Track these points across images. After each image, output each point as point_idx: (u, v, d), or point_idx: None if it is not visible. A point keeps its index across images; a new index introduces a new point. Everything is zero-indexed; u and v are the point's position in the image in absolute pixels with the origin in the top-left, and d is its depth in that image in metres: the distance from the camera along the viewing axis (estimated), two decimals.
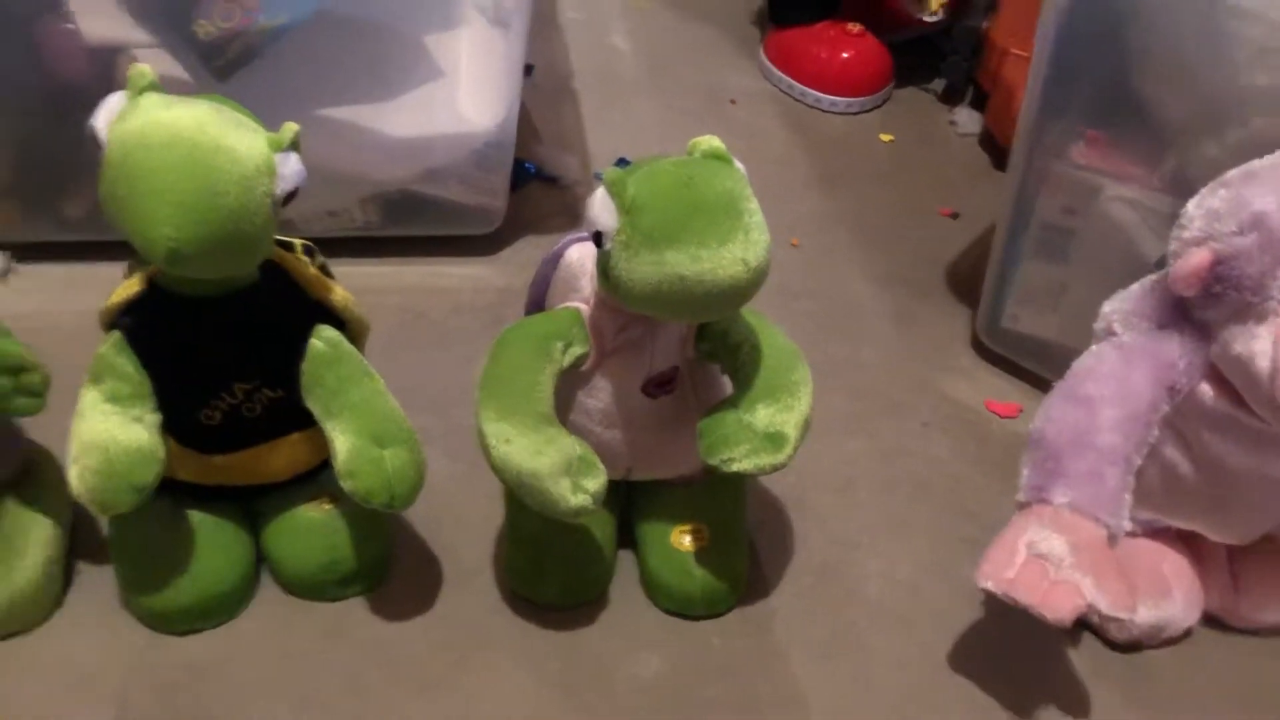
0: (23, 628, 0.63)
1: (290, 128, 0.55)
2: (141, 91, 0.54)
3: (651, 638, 0.67)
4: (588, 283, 0.62)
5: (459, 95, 0.87)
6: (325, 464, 0.66)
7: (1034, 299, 0.84)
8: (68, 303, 0.83)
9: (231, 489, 0.64)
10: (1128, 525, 0.63)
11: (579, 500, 0.58)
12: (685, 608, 0.68)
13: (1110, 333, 0.66)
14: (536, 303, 0.66)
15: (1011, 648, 0.69)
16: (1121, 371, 0.62)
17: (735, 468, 0.59)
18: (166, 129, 0.52)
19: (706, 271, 0.53)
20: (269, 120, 0.56)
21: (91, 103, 0.80)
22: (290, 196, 0.54)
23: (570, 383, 0.62)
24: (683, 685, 0.65)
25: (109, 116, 0.53)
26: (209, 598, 0.63)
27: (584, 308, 0.61)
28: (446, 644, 0.65)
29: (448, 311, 0.88)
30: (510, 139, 0.88)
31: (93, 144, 0.53)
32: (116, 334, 0.59)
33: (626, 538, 0.71)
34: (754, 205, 0.55)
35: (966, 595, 0.71)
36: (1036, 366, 0.85)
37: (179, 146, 0.51)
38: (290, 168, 0.54)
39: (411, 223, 0.91)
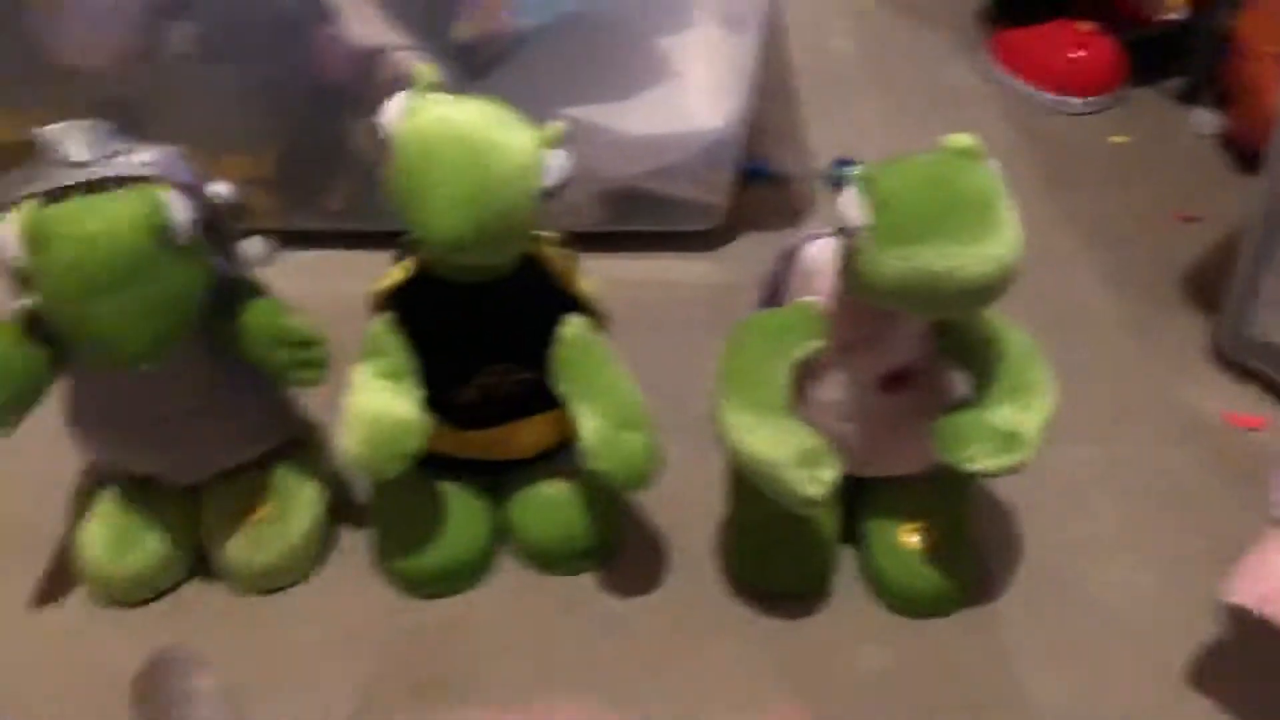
0: (291, 582, 0.68)
1: (556, 126, 0.58)
2: (425, 91, 0.57)
3: (876, 633, 0.67)
4: (825, 278, 0.62)
5: (689, 95, 0.89)
6: (566, 444, 0.69)
7: None
8: (327, 286, 0.89)
9: (481, 463, 0.68)
10: None
11: (814, 490, 0.59)
12: (911, 606, 0.68)
13: None
14: (770, 297, 0.67)
15: (1258, 669, 0.66)
16: None
17: (974, 466, 0.59)
18: (448, 126, 0.56)
19: (958, 268, 0.53)
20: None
21: (353, 102, 0.87)
22: (556, 190, 0.57)
23: (805, 376, 0.63)
24: (907, 682, 0.65)
25: (397, 112, 0.57)
26: (455, 564, 0.67)
27: (821, 302, 0.62)
28: (675, 626, 0.67)
29: (669, 304, 0.90)
30: (737, 137, 0.90)
31: (380, 140, 0.57)
32: (386, 315, 0.63)
33: (850, 533, 0.71)
34: (1007, 203, 0.55)
35: (1204, 610, 0.68)
36: None
37: (459, 143, 0.55)
38: (556, 163, 0.57)
39: (636, 218, 0.94)
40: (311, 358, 0.61)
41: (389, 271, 0.65)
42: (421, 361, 0.63)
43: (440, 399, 0.64)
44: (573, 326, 0.64)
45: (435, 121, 0.56)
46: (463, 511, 0.68)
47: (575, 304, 0.65)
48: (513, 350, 0.64)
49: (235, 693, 0.62)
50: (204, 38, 0.83)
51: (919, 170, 0.55)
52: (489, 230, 0.56)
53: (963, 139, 0.56)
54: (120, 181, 0.52)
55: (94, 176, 0.52)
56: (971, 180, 0.54)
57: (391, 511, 0.68)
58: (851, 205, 0.55)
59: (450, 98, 0.58)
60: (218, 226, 0.58)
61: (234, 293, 0.61)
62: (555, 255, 0.65)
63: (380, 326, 0.63)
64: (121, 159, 0.53)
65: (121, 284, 0.52)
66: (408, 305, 0.63)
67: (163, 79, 0.84)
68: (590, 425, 0.62)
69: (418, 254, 0.63)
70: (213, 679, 0.59)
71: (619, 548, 0.71)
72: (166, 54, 0.83)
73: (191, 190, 0.54)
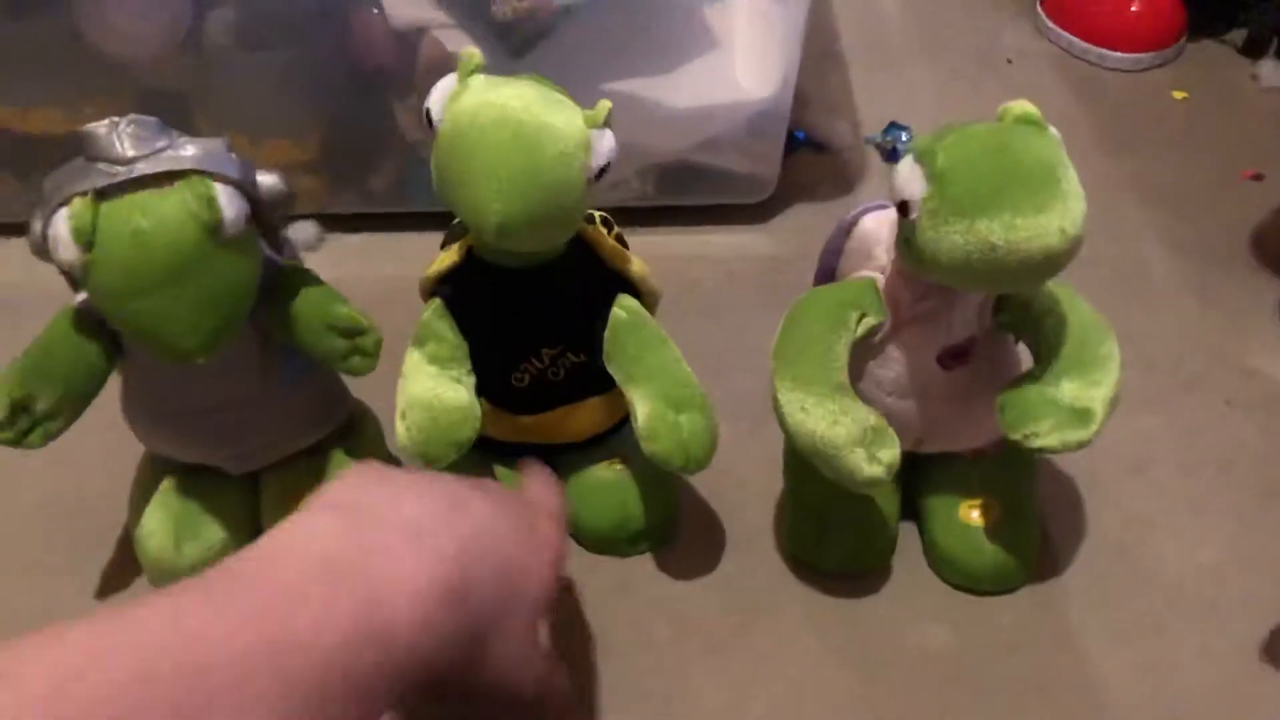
0: None
1: (604, 105, 0.57)
2: (470, 74, 0.56)
3: (938, 610, 0.66)
4: (883, 252, 0.61)
5: (736, 64, 0.88)
6: (618, 427, 0.69)
7: None
8: (373, 270, 0.90)
9: (533, 447, 0.68)
10: None
11: (874, 471, 0.58)
12: (973, 583, 0.67)
13: None
14: (827, 272, 0.66)
15: None
16: None
17: (1039, 443, 0.57)
18: (495, 109, 0.54)
19: (1021, 241, 0.51)
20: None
21: (395, 83, 0.86)
22: (603, 171, 0.56)
23: (863, 352, 0.62)
24: (971, 659, 0.64)
25: (442, 98, 0.56)
26: None
27: (879, 277, 0.61)
28: (731, 606, 0.67)
29: (720, 279, 0.89)
30: (785, 108, 0.88)
31: (426, 124, 0.57)
32: (437, 301, 0.63)
33: (909, 509, 0.70)
34: (1071, 172, 0.53)
35: (1276, 584, 0.66)
36: None
37: (506, 126, 0.54)
38: (604, 144, 0.56)
39: (684, 192, 0.93)
40: (363, 345, 0.61)
41: (438, 257, 0.64)
42: (473, 347, 0.63)
43: (493, 384, 0.64)
44: (624, 308, 0.63)
45: (482, 105, 0.55)
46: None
47: (626, 285, 0.64)
48: (565, 334, 0.63)
49: None
50: (245, 24, 0.83)
51: (978, 140, 0.53)
52: (540, 214, 0.55)
53: (1022, 105, 0.55)
54: (169, 177, 0.52)
55: (143, 173, 0.51)
56: (1032, 149, 0.52)
57: None
58: (908, 177, 0.54)
59: (496, 80, 0.56)
60: (267, 217, 0.57)
61: (285, 282, 0.61)
62: (604, 237, 0.64)
63: (430, 313, 0.63)
64: (169, 153, 0.52)
65: (173, 280, 0.52)
66: (458, 291, 0.63)
67: (206, 68, 0.84)
68: (645, 408, 0.61)
69: (467, 239, 0.63)
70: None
71: (675, 531, 0.70)
72: (209, 43, 0.82)
73: (240, 183, 0.54)
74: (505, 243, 0.57)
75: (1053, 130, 0.55)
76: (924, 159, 0.53)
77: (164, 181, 0.52)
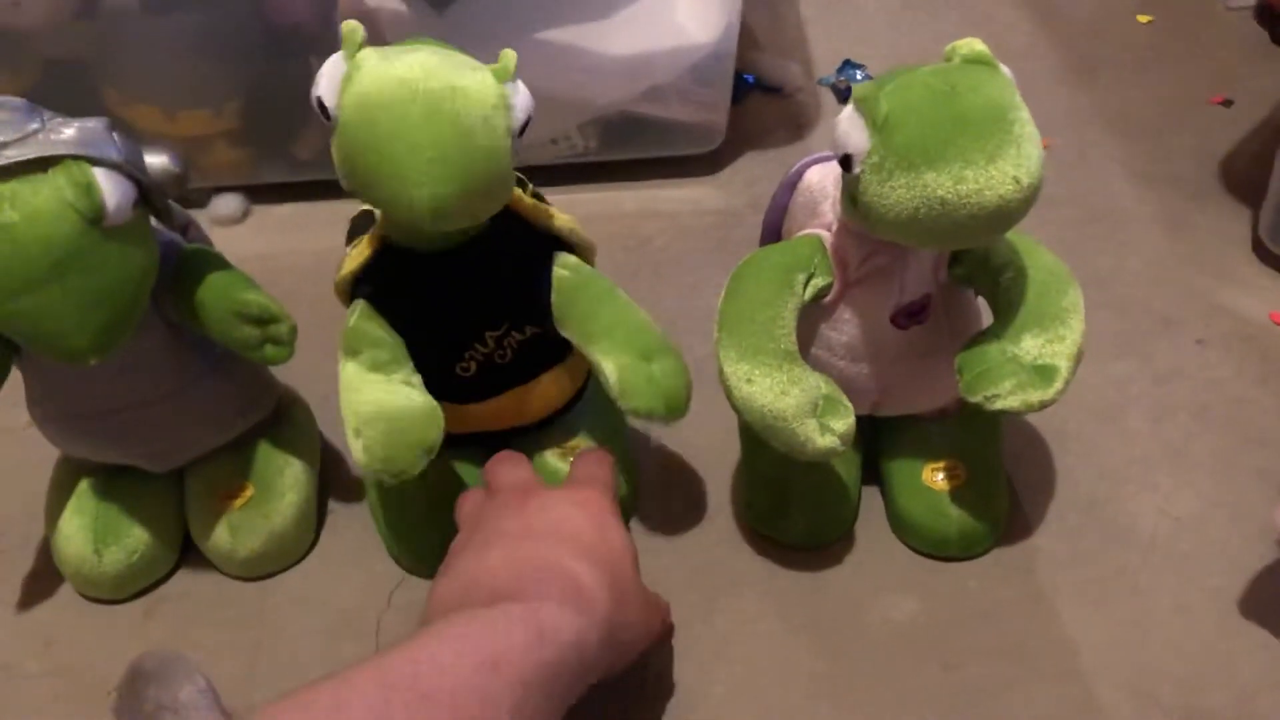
0: (280, 566, 0.65)
1: (509, 55, 0.51)
2: (356, 50, 0.50)
3: (903, 579, 0.63)
4: (829, 207, 0.57)
5: (677, 7, 0.83)
6: (570, 404, 0.65)
7: None
8: (303, 241, 0.85)
9: (484, 436, 0.64)
10: None
11: (827, 441, 0.55)
12: (939, 549, 0.63)
13: None
14: (773, 231, 0.62)
15: None
16: None
17: (1000, 405, 0.54)
18: (401, 84, 0.49)
19: (973, 193, 0.47)
20: (488, 48, 0.53)
21: (315, 42, 0.81)
22: (524, 127, 0.52)
23: (813, 315, 0.58)
24: (940, 629, 0.61)
25: (332, 83, 0.50)
26: None
27: (826, 235, 0.57)
28: (693, 584, 0.64)
29: (671, 237, 0.85)
30: (731, 51, 0.84)
31: (320, 113, 0.51)
32: (361, 303, 0.57)
33: (871, 475, 0.67)
34: (1025, 115, 0.49)
35: (1259, 533, 0.64)
36: None
37: (418, 100, 0.48)
38: (520, 98, 0.51)
39: (630, 145, 0.88)
40: (276, 333, 0.57)
41: (347, 255, 0.59)
42: (410, 343, 0.58)
43: (436, 378, 0.59)
44: (565, 266, 0.59)
45: (385, 82, 0.49)
46: (466, 488, 0.63)
47: (556, 243, 0.60)
48: (506, 311, 0.59)
49: (221, 696, 0.59)
50: None
51: (923, 85, 0.49)
52: (474, 187, 0.50)
53: (970, 44, 0.50)
54: (42, 163, 0.47)
55: (11, 160, 0.47)
56: (982, 92, 0.48)
57: (393, 496, 0.63)
58: (849, 129, 0.50)
59: (388, 52, 0.51)
60: (161, 201, 0.53)
61: (188, 267, 0.56)
62: (521, 197, 0.59)
63: (357, 318, 0.57)
64: (40, 137, 0.48)
65: (52, 277, 0.47)
66: (381, 287, 0.57)
67: (109, 35, 0.78)
68: (613, 365, 0.57)
69: (377, 229, 0.57)
70: (199, 685, 0.56)
71: (634, 509, 0.67)
72: (111, 7, 0.77)
73: (123, 165, 0.49)
74: (440, 224, 0.51)
75: (1005, 69, 0.50)
76: (865, 108, 0.49)
77: (36, 169, 0.47)
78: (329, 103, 0.50)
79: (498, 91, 0.51)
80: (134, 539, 0.62)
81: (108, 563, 0.62)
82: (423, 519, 0.63)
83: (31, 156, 0.47)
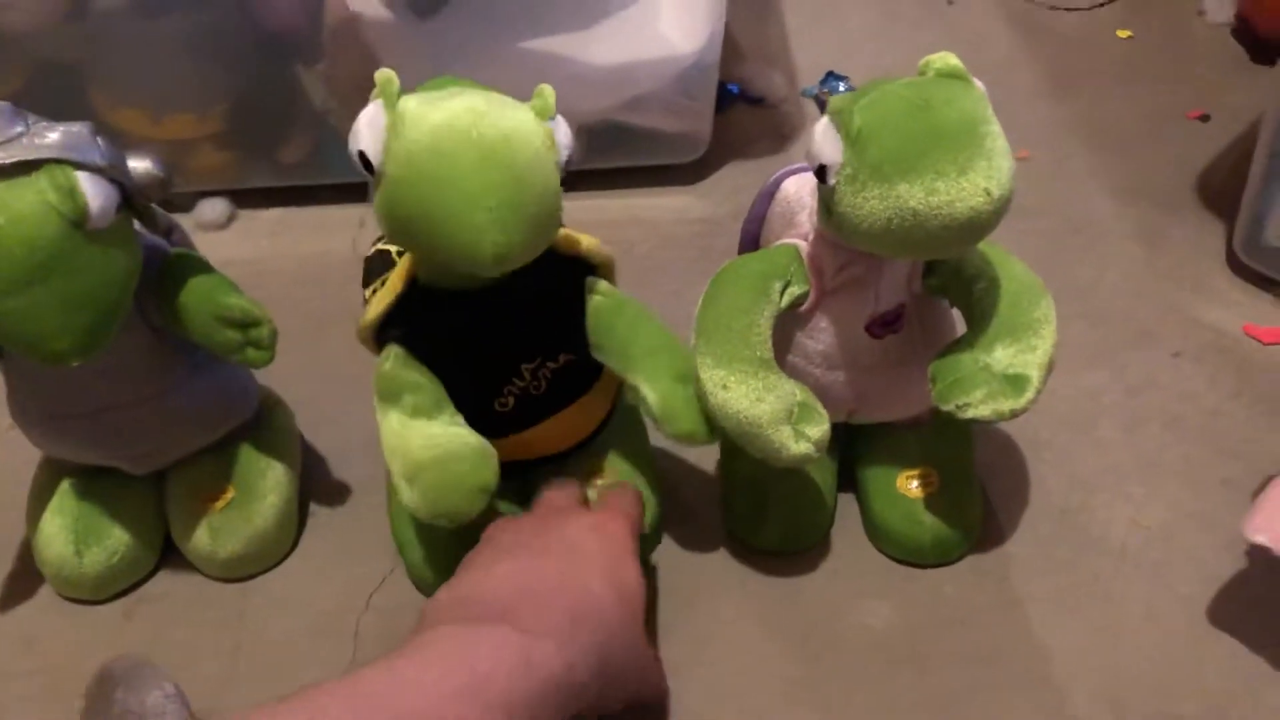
0: (262, 568, 0.65)
1: (547, 92, 0.51)
2: (395, 99, 0.49)
3: (879, 586, 0.64)
4: (806, 217, 0.58)
5: (661, 18, 0.84)
6: (594, 435, 0.65)
7: None
8: (287, 246, 0.86)
9: (510, 465, 0.61)
10: None
11: (801, 448, 0.55)
12: (914, 556, 0.64)
13: None
14: (751, 240, 0.62)
15: None
16: None
17: (971, 414, 0.55)
18: (451, 132, 0.48)
19: (944, 204, 0.48)
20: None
21: (302, 49, 0.82)
22: (567, 161, 0.52)
23: (789, 324, 0.59)
24: (915, 634, 0.62)
25: (374, 135, 0.49)
26: None
27: (802, 244, 0.58)
28: (671, 588, 0.64)
29: (653, 244, 0.86)
30: (714, 61, 0.84)
31: (361, 167, 0.50)
32: (394, 347, 0.56)
33: (847, 482, 0.67)
34: (996, 128, 0.50)
35: (1230, 543, 0.64)
36: None
37: (472, 147, 0.47)
38: (563, 133, 0.51)
39: (614, 154, 0.89)
40: (257, 337, 0.57)
41: (372, 300, 0.57)
42: (447, 383, 0.56)
43: (474, 415, 0.57)
44: (599, 292, 0.58)
45: (434, 130, 0.48)
46: (499, 515, 0.61)
47: (584, 266, 0.59)
48: (540, 341, 0.58)
49: (200, 696, 0.59)
50: None
51: (896, 98, 0.50)
52: (534, 228, 0.50)
53: (944, 58, 0.51)
54: (25, 167, 0.48)
55: None
56: (955, 105, 0.49)
57: (426, 526, 0.61)
58: (824, 141, 0.51)
59: (429, 98, 0.49)
60: (144, 204, 0.53)
61: (171, 271, 0.57)
62: None
63: (391, 363, 0.55)
64: (24, 141, 0.48)
65: (35, 279, 0.48)
66: (413, 328, 0.56)
67: (99, 38, 0.79)
68: (656, 391, 0.57)
69: (403, 269, 0.56)
70: (166, 691, 0.56)
71: (660, 536, 0.66)
72: (101, 10, 0.78)
73: (107, 169, 0.50)
74: (503, 269, 0.50)
75: (978, 83, 0.51)
76: (840, 120, 0.50)
77: (20, 172, 0.48)
78: (373, 156, 0.49)
79: (544, 131, 0.50)
80: (115, 540, 0.63)
81: (88, 563, 0.62)
82: (448, 545, 0.61)
83: (15, 160, 0.48)
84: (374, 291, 0.58)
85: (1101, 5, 1.06)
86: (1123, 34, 1.03)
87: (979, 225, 0.49)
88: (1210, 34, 1.03)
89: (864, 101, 0.50)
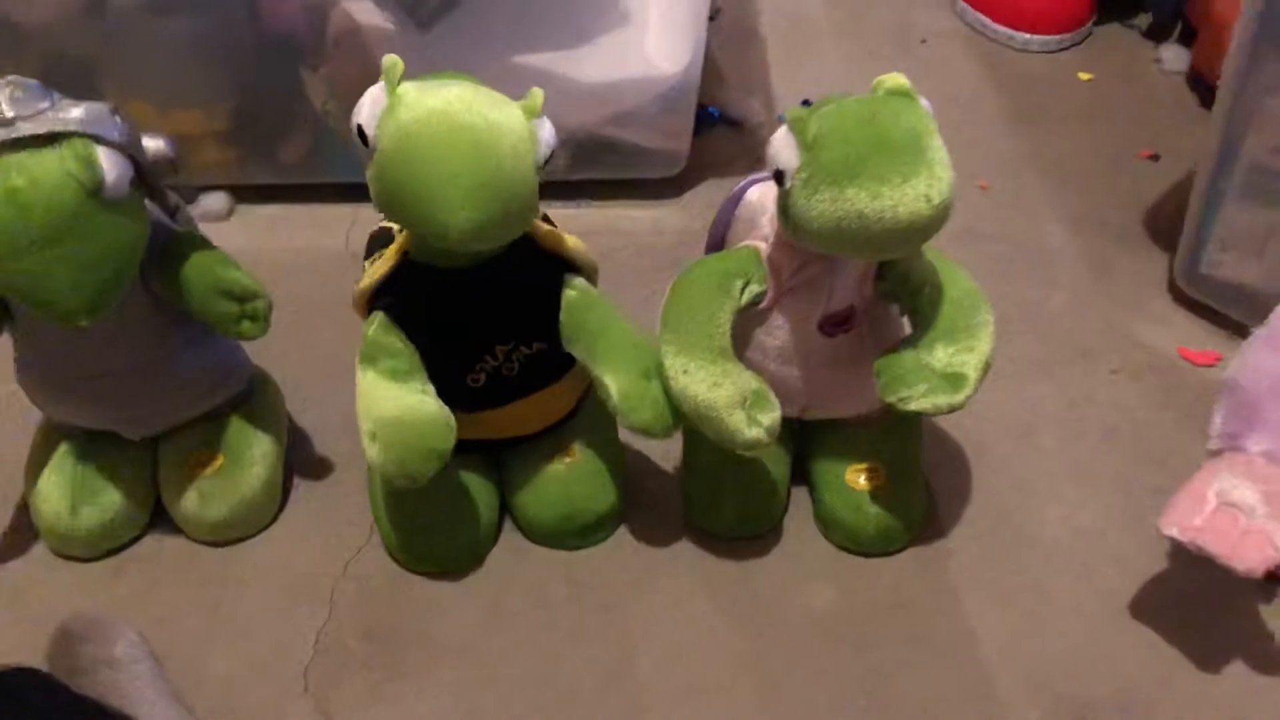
0: (246, 534, 0.69)
1: (537, 94, 0.56)
2: (397, 83, 0.54)
3: (823, 571, 0.68)
4: (767, 222, 0.63)
5: (647, 40, 0.89)
6: (568, 417, 0.69)
7: (1238, 243, 0.80)
8: (283, 240, 0.90)
9: (486, 442, 0.67)
10: None
11: (754, 433, 0.60)
12: (859, 545, 0.69)
13: None
14: (717, 241, 0.67)
15: (1200, 600, 0.67)
16: None
17: (912, 406, 0.59)
18: (442, 117, 0.53)
19: (888, 208, 0.53)
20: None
21: (306, 53, 0.86)
22: (549, 159, 0.56)
23: (749, 320, 0.64)
24: (854, 617, 0.66)
25: (373, 112, 0.54)
26: (462, 544, 0.68)
27: (763, 246, 0.62)
28: (627, 566, 0.68)
29: (631, 252, 0.90)
30: (694, 83, 0.89)
31: (360, 142, 0.55)
32: (380, 314, 0.61)
33: (800, 475, 0.72)
34: (938, 142, 0.54)
35: (1152, 544, 0.69)
36: (1238, 314, 0.81)
37: (459, 132, 0.53)
38: (545, 132, 0.56)
39: (597, 166, 0.94)
40: (254, 310, 0.61)
41: (369, 269, 0.62)
42: (424, 354, 0.61)
43: (448, 387, 0.62)
44: (575, 288, 0.63)
45: (427, 114, 0.53)
46: (469, 492, 0.67)
47: (565, 265, 0.63)
48: (516, 327, 0.63)
49: (181, 649, 0.63)
50: None
51: (849, 110, 0.55)
52: (506, 212, 0.54)
53: (895, 78, 0.56)
54: (49, 139, 0.52)
55: (23, 133, 0.52)
56: (901, 119, 0.54)
57: (396, 495, 0.66)
58: (782, 147, 0.55)
59: (427, 85, 0.55)
60: (155, 181, 0.58)
61: (176, 247, 0.61)
62: (538, 223, 0.63)
63: (376, 328, 0.60)
64: (49, 115, 0.53)
65: (51, 241, 0.52)
66: (400, 299, 0.61)
67: (112, 34, 0.83)
68: (618, 383, 0.61)
69: (399, 244, 0.61)
70: (130, 639, 0.59)
71: (620, 519, 0.71)
72: (116, 8, 0.82)
73: (123, 146, 0.54)
74: (472, 246, 0.56)
75: (924, 102, 0.56)
76: (797, 128, 0.55)
77: (45, 143, 0.52)
78: (369, 131, 0.54)
79: (527, 126, 0.55)
80: (108, 499, 0.66)
81: (82, 520, 0.66)
82: (422, 518, 0.67)
83: (42, 131, 0.52)
84: (372, 263, 0.62)
85: (1062, 50, 1.12)
86: (1084, 76, 1.09)
87: (919, 229, 0.54)
88: (1165, 81, 1.08)
89: (820, 112, 0.55)
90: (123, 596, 0.67)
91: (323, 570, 0.68)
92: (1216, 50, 0.99)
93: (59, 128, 0.52)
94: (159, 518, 0.69)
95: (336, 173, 0.91)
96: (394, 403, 0.59)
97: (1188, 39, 1.09)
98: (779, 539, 0.70)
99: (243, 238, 0.90)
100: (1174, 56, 1.09)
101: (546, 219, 0.66)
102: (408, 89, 0.54)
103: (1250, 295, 0.80)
